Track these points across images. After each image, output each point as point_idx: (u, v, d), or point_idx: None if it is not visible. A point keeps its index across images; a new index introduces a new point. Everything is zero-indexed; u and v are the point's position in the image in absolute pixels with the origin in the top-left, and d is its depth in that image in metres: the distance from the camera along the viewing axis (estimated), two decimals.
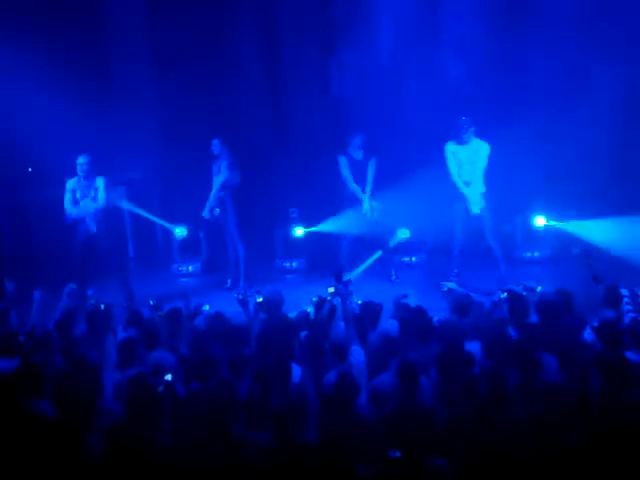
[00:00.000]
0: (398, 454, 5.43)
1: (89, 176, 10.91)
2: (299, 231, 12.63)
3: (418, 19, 13.57)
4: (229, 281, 11.97)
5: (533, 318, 7.92)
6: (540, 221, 11.86)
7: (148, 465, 5.76)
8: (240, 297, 8.76)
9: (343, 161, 11.51)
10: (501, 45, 13.15)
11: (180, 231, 12.74)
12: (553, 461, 5.28)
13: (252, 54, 13.95)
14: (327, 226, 11.95)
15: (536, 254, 12.29)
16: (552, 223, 11.85)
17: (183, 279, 12.96)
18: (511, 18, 13.07)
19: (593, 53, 12.65)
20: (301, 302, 9.61)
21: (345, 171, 11.50)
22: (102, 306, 8.69)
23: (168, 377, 6.84)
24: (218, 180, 11.66)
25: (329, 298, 8.42)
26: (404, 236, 12.05)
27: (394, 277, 11.78)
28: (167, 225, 12.71)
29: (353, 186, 11.50)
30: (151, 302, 9.29)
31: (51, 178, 12.88)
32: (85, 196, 10.94)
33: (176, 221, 12.92)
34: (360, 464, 5.56)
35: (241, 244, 11.75)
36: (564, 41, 12.80)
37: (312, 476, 5.49)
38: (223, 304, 10.53)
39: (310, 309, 8.62)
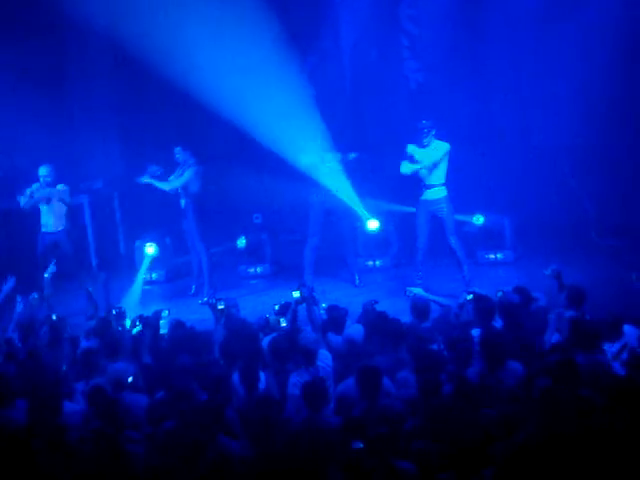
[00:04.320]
0: (361, 445, 5.47)
1: (51, 185, 10.86)
2: (150, 249, 12.56)
3: (377, 23, 13.62)
4: (193, 287, 11.93)
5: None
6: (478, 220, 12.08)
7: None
8: (212, 301, 8.73)
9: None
10: (461, 47, 13.23)
11: (152, 249, 12.65)
12: (513, 459, 5.33)
13: (217, 54, 13.90)
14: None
15: (499, 256, 12.36)
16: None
17: (146, 287, 12.82)
18: (471, 20, 13.16)
19: (553, 52, 12.76)
20: (265, 308, 9.61)
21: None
22: (54, 316, 8.67)
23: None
24: (175, 182, 11.55)
25: (293, 303, 8.42)
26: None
27: (358, 281, 11.77)
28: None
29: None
30: (114, 311, 9.24)
31: (13, 188, 12.77)
32: (47, 204, 10.87)
33: (138, 230, 12.88)
34: (329, 467, 5.56)
35: (204, 251, 11.70)
36: (524, 42, 12.90)
37: None
38: (187, 311, 10.55)
39: (269, 316, 8.63)
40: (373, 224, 11.74)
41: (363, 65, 14.02)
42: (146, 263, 12.64)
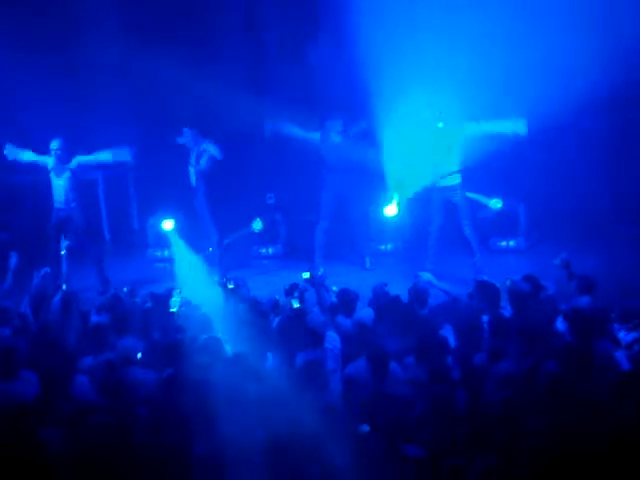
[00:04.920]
0: (367, 428, 5.49)
1: (63, 159, 10.89)
2: (168, 224, 12.22)
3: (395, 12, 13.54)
4: None
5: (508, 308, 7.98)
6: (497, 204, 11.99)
7: (122, 452, 5.74)
8: (222, 281, 8.79)
9: (315, 136, 11.43)
10: (478, 34, 13.14)
11: (170, 224, 12.54)
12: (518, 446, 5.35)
13: (232, 40, 13.91)
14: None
15: (511, 243, 12.33)
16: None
17: (159, 264, 12.86)
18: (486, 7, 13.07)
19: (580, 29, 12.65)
20: (276, 288, 9.63)
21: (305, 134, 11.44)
22: (64, 286, 8.70)
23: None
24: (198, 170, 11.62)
25: (302, 284, 8.45)
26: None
27: (369, 264, 11.78)
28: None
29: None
30: (125, 289, 9.27)
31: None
32: (59, 178, 10.91)
33: (151, 206, 12.89)
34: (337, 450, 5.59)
35: (214, 229, 11.72)
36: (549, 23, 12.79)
37: (287, 463, 5.52)
38: (197, 289, 10.56)
39: (279, 297, 8.65)
40: (391, 210, 11.63)
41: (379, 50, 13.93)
42: (174, 238, 12.54)
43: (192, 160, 11.67)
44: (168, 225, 12.26)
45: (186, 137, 11.60)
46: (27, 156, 11.02)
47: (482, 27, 12.52)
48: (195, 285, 10.19)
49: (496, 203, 11.95)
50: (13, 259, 9.51)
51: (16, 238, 12.60)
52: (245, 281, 9.19)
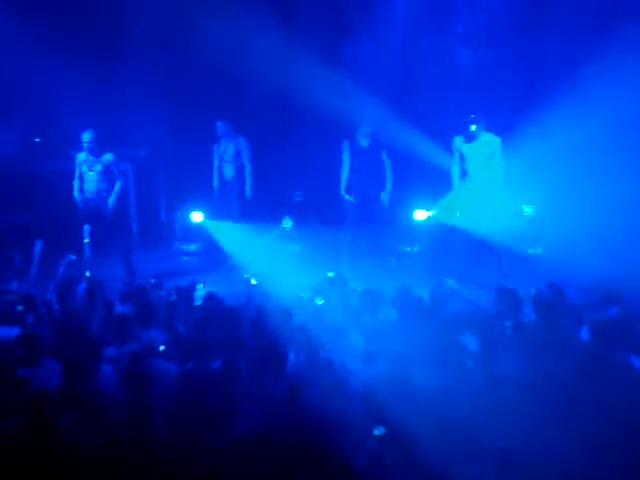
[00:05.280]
0: (383, 430, 5.49)
1: (95, 152, 10.93)
2: (197, 217, 12.40)
3: (432, 10, 13.53)
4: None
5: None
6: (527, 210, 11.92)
7: (141, 445, 5.77)
8: (245, 276, 8.83)
9: (346, 146, 11.52)
10: (515, 38, 13.10)
11: (199, 216, 12.53)
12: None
13: (264, 36, 13.93)
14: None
15: (538, 250, 12.27)
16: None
17: (185, 257, 12.93)
18: (525, 11, 13.01)
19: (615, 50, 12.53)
20: (300, 286, 9.64)
21: (345, 157, 11.51)
22: (88, 273, 8.75)
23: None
24: (247, 165, 11.82)
25: (326, 283, 8.46)
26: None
27: (395, 266, 11.78)
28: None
29: (345, 175, 11.50)
30: (152, 281, 9.33)
31: (58, 150, 12.92)
32: (91, 170, 10.97)
33: (180, 200, 12.97)
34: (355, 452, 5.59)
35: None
36: (582, 36, 12.71)
37: (299, 461, 5.53)
38: (223, 284, 10.61)
39: (303, 294, 8.67)
40: (421, 215, 11.59)
41: (414, 50, 13.94)
42: (214, 226, 12.52)
43: (227, 157, 11.80)
44: (198, 217, 12.31)
45: (219, 130, 11.76)
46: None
47: None
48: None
49: (526, 209, 11.91)
50: (38, 246, 9.57)
51: (38, 221, 12.68)
52: (268, 277, 9.19)
